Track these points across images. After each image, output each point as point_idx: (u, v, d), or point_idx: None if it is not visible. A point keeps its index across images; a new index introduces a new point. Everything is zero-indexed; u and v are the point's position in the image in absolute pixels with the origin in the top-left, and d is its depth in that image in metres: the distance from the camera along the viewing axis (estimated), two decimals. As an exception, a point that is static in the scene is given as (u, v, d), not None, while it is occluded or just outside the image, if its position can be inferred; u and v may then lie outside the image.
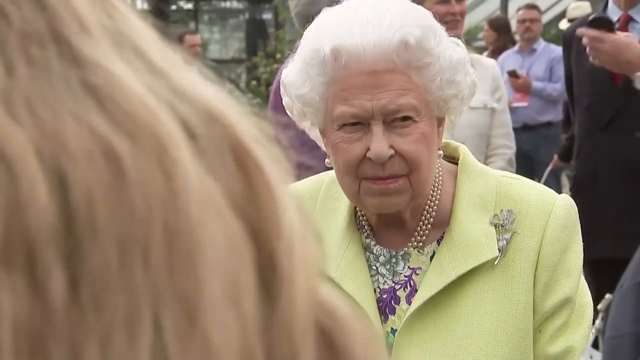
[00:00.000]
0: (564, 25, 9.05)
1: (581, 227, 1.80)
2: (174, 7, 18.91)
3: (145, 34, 0.47)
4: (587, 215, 4.65)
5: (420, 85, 1.68)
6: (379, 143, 1.66)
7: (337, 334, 0.46)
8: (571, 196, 5.25)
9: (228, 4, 20.07)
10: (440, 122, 1.75)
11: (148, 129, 0.41)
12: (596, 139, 4.62)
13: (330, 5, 1.74)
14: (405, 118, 1.67)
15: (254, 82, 10.44)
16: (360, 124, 1.67)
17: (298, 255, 0.44)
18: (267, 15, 17.35)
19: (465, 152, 1.84)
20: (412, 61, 1.66)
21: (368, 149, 1.67)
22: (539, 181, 7.08)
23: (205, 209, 0.42)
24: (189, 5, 19.37)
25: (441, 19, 1.84)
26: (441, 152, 1.78)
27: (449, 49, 1.71)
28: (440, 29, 1.72)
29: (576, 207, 1.78)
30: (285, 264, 0.44)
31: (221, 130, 0.45)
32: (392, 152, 1.66)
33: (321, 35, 1.67)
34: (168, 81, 0.44)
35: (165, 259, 0.40)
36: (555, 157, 7.45)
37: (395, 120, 1.67)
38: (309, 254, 0.45)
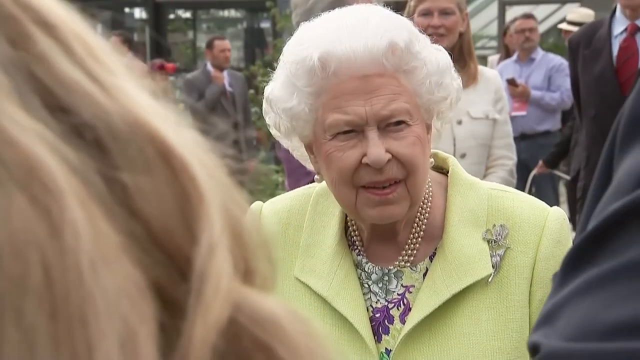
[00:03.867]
0: (564, 26, 9.04)
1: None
2: (172, 15, 18.90)
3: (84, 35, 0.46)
4: (578, 226, 4.65)
5: (410, 89, 1.66)
6: (376, 148, 1.63)
7: (280, 349, 0.46)
8: (580, 206, 5.23)
9: (226, 13, 20.07)
10: (428, 129, 1.73)
11: (26, 175, 0.39)
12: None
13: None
14: (399, 122, 1.65)
15: (251, 91, 10.42)
16: (354, 131, 1.65)
17: (210, 291, 0.43)
18: (266, 24, 17.35)
19: (454, 164, 1.81)
20: (401, 65, 1.64)
21: (364, 155, 1.64)
22: (534, 190, 7.09)
23: (98, 264, 0.40)
24: (187, 14, 19.37)
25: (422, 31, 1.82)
26: (432, 160, 1.76)
27: (434, 53, 1.71)
28: (422, 35, 1.71)
29: (567, 220, 1.76)
30: (191, 303, 0.43)
31: (145, 139, 0.44)
32: (389, 156, 1.64)
33: (306, 45, 1.64)
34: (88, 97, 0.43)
35: (46, 321, 0.38)
36: (541, 162, 7.44)
37: (389, 125, 1.65)
38: (223, 285, 0.44)
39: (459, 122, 3.95)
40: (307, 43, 1.65)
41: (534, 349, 0.79)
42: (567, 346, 0.75)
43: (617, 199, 0.79)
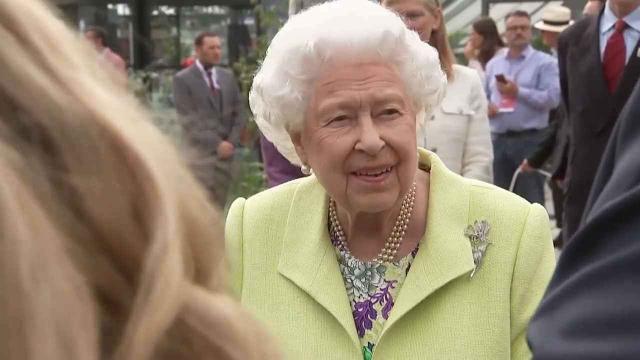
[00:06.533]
0: (540, 25, 9.08)
1: (575, 232, 1.79)
2: (155, 12, 18.86)
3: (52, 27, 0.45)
4: (581, 221, 4.68)
5: (401, 80, 1.68)
6: (371, 134, 1.64)
7: (230, 350, 0.45)
8: (566, 202, 5.24)
9: (210, 10, 20.04)
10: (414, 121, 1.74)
11: None
12: (590, 146, 4.64)
13: None
14: (392, 111, 1.66)
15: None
16: (347, 118, 1.65)
17: (158, 291, 0.43)
18: (249, 21, 17.34)
19: (436, 160, 1.82)
20: (393, 55, 1.66)
21: (357, 141, 1.65)
22: (519, 188, 7.10)
23: (37, 268, 0.39)
24: (171, 11, 19.33)
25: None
26: (418, 154, 1.77)
27: (423, 47, 1.73)
28: (410, 29, 1.72)
29: (548, 216, 1.78)
30: (138, 304, 0.42)
31: (99, 135, 0.43)
32: (383, 142, 1.65)
33: (300, 34, 1.65)
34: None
35: None
36: (525, 161, 7.45)
37: (383, 112, 1.65)
38: (172, 286, 0.43)
39: (431, 117, 3.97)
40: (302, 32, 1.65)
41: (529, 344, 0.79)
42: (561, 351, 0.75)
43: (616, 194, 0.79)
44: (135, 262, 0.43)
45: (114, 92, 0.47)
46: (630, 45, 4.66)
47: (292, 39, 1.66)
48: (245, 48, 16.13)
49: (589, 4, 8.16)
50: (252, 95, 1.74)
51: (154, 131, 0.47)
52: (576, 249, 0.80)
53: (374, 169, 1.66)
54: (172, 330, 0.43)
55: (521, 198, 1.80)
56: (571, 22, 7.76)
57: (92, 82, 0.45)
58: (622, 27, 4.70)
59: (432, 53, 1.74)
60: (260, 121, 1.76)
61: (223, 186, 9.33)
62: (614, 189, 0.80)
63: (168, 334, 0.43)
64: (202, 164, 0.50)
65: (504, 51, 8.93)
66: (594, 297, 0.75)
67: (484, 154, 4.14)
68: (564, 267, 0.80)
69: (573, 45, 4.86)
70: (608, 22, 4.76)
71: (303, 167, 1.78)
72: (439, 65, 1.75)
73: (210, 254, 0.48)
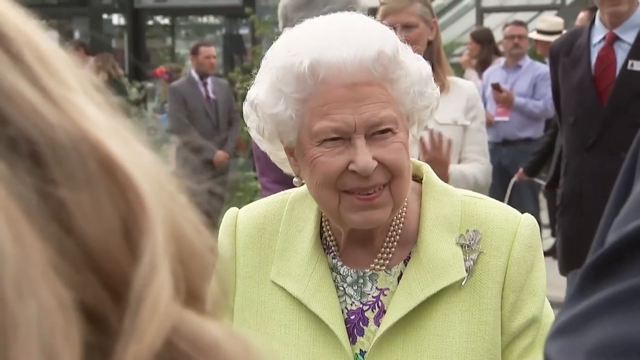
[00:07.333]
0: (534, 35, 9.10)
1: (567, 243, 1.80)
2: (150, 22, 18.86)
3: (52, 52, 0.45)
4: (574, 232, 4.68)
5: (395, 98, 1.68)
6: (364, 156, 1.64)
7: None
8: (559, 213, 5.19)
9: (205, 20, 20.03)
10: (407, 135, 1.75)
11: None
12: (582, 158, 4.63)
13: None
14: (385, 130, 1.66)
15: (230, 98, 10.37)
16: (341, 138, 1.66)
17: (146, 313, 0.42)
18: (244, 31, 17.33)
19: (428, 171, 1.83)
20: (387, 73, 1.65)
21: (350, 162, 1.66)
22: (514, 197, 7.10)
23: (22, 282, 0.39)
24: (166, 21, 19.32)
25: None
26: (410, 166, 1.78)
27: (416, 62, 1.72)
28: (403, 44, 1.72)
29: (538, 226, 1.79)
30: (126, 325, 0.42)
31: (88, 151, 0.42)
32: (376, 163, 1.66)
33: (295, 52, 1.64)
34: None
35: None
36: (521, 170, 7.46)
37: (376, 133, 1.66)
38: (160, 308, 0.43)
39: (425, 128, 3.93)
40: (296, 49, 1.64)
41: None
42: None
43: (639, 213, 0.79)
44: (124, 281, 0.43)
45: (107, 112, 0.47)
46: (620, 57, 4.65)
47: (286, 55, 1.65)
48: (240, 58, 16.13)
49: (580, 15, 8.18)
50: (246, 109, 1.75)
51: (146, 152, 0.47)
52: (599, 267, 0.79)
53: (367, 189, 1.67)
54: (161, 353, 0.43)
55: (512, 208, 1.81)
56: (564, 32, 7.78)
57: (84, 102, 0.45)
58: (612, 39, 4.70)
59: (425, 67, 1.74)
60: (253, 134, 1.77)
61: (218, 196, 9.29)
62: (637, 206, 0.80)
63: (157, 357, 0.42)
64: (198, 188, 0.50)
65: (501, 60, 8.94)
66: (619, 320, 0.74)
67: (482, 161, 4.09)
68: (585, 284, 0.79)
69: (564, 55, 4.85)
70: (598, 34, 4.75)
71: (295, 179, 1.79)
72: (432, 80, 1.75)
73: (203, 275, 0.47)
